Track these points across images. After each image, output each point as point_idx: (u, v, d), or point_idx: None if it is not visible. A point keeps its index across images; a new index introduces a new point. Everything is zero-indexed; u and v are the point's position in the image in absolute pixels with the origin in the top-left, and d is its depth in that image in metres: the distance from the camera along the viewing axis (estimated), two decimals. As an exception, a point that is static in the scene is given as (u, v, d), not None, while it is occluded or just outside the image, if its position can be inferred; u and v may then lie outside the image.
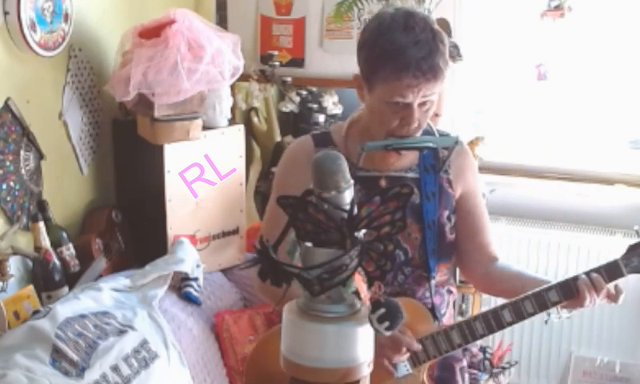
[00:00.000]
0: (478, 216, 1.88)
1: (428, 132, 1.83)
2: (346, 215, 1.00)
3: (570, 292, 1.67)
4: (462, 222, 1.87)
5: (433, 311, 1.80)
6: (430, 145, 1.74)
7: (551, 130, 3.30)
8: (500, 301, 1.85)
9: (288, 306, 1.02)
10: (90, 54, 2.46)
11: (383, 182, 1.79)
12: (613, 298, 1.69)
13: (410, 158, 1.81)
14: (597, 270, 1.68)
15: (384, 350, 1.67)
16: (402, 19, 1.64)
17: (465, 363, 1.94)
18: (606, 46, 3.09)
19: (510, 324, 1.71)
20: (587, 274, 1.67)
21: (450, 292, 1.91)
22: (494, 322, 1.70)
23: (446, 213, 1.82)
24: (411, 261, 1.79)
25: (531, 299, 1.68)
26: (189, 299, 2.41)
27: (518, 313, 1.69)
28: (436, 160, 1.82)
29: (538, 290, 1.68)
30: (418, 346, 1.71)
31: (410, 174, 1.81)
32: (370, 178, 1.77)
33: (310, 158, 1.77)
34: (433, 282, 1.81)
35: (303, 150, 1.83)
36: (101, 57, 2.52)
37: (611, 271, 1.68)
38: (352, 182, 1.03)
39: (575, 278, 1.67)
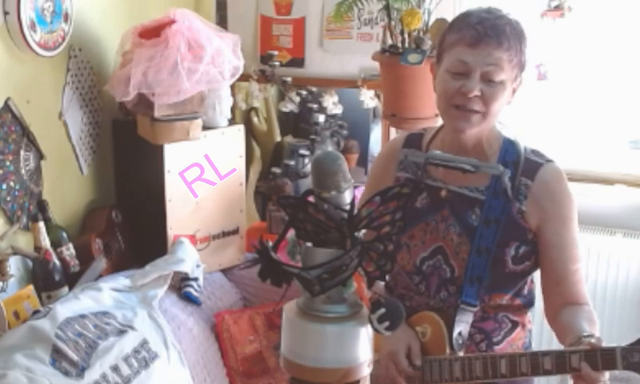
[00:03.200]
0: (557, 250, 1.72)
1: (516, 152, 1.74)
2: (345, 215, 1.00)
3: (563, 366, 1.52)
4: (542, 253, 1.74)
5: (450, 334, 1.70)
6: (468, 167, 1.65)
7: (551, 129, 3.29)
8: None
9: (288, 306, 1.02)
10: (90, 54, 2.46)
11: (444, 193, 1.74)
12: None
13: (480, 177, 1.71)
14: (592, 354, 1.49)
15: (388, 368, 1.67)
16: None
17: None
18: (606, 46, 3.08)
19: (504, 376, 1.60)
20: (585, 354, 1.50)
21: (514, 322, 1.78)
22: (490, 368, 1.61)
23: (515, 244, 1.71)
24: (457, 280, 1.73)
25: (527, 358, 1.57)
26: (189, 299, 2.41)
27: (513, 368, 1.58)
28: (511, 187, 1.70)
29: (536, 351, 1.58)
30: (410, 371, 1.68)
31: (476, 195, 1.73)
32: (434, 188, 1.76)
33: (395, 155, 1.84)
34: (464, 306, 1.70)
35: (392, 147, 1.90)
36: (101, 57, 2.52)
37: (606, 359, 1.48)
38: (352, 181, 1.03)
39: (571, 352, 1.52)
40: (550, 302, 1.76)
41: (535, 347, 1.95)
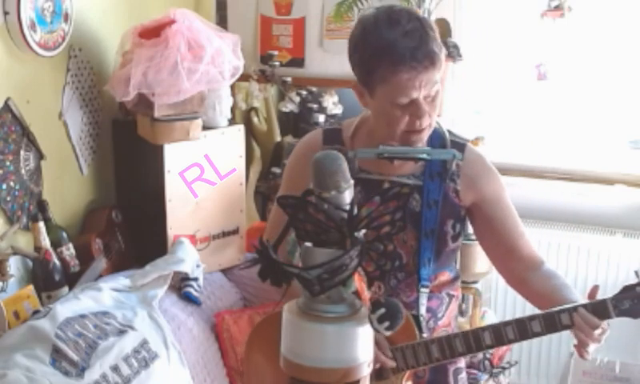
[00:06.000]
0: (501, 221, 1.80)
1: (440, 136, 1.80)
2: (345, 215, 1.00)
3: (553, 325, 1.61)
4: (484, 229, 1.82)
5: (418, 319, 1.76)
6: (424, 156, 1.68)
7: (551, 129, 3.30)
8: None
9: (288, 306, 1.02)
10: (90, 54, 2.46)
11: (387, 186, 1.75)
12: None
13: (415, 164, 1.77)
14: (583, 307, 1.59)
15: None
16: (384, 16, 1.62)
17: (461, 364, 1.90)
18: (606, 46, 3.09)
19: (490, 347, 1.67)
20: (574, 309, 1.59)
21: (450, 295, 1.87)
22: (473, 342, 1.66)
23: (451, 221, 1.78)
24: (405, 267, 1.77)
25: (513, 326, 1.63)
26: (189, 299, 2.41)
27: (499, 337, 1.65)
28: (443, 168, 1.77)
29: (521, 317, 1.64)
30: (392, 364, 1.70)
31: (413, 181, 1.77)
32: (372, 181, 1.75)
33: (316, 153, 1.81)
34: (424, 290, 1.77)
35: (311, 146, 1.83)
36: (101, 57, 2.52)
37: (598, 311, 1.57)
38: (352, 182, 1.03)
39: (561, 311, 1.60)
40: (510, 269, 1.83)
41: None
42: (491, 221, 1.80)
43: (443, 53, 1.66)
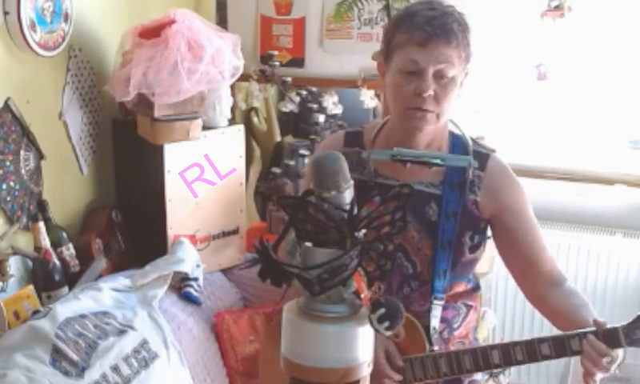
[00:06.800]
0: (523, 233, 1.76)
1: (463, 144, 1.78)
2: (345, 215, 1.00)
3: (562, 349, 1.58)
4: (505, 240, 1.78)
5: (428, 330, 1.74)
6: (438, 162, 1.66)
7: (551, 129, 3.30)
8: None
9: (288, 306, 1.02)
10: (90, 54, 2.46)
11: None
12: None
13: (434, 172, 1.73)
14: (593, 333, 1.56)
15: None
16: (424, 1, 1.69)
17: (477, 376, 1.87)
18: (606, 46, 3.09)
19: (497, 366, 1.65)
20: (584, 335, 1.57)
21: (468, 306, 1.84)
22: (481, 360, 1.65)
23: (469, 233, 1.75)
24: (419, 275, 1.75)
25: (522, 347, 1.61)
26: (189, 299, 2.41)
27: (507, 357, 1.63)
28: (463, 178, 1.73)
29: (531, 339, 1.62)
30: (398, 377, 1.69)
31: (432, 189, 1.74)
32: (388, 187, 1.74)
33: None
34: (437, 302, 1.74)
35: (331, 147, 1.82)
36: (101, 57, 2.52)
37: (608, 338, 1.56)
38: (352, 182, 1.03)
39: (571, 336, 1.58)
40: (529, 284, 1.80)
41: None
42: (512, 233, 1.76)
43: (466, 45, 1.65)
